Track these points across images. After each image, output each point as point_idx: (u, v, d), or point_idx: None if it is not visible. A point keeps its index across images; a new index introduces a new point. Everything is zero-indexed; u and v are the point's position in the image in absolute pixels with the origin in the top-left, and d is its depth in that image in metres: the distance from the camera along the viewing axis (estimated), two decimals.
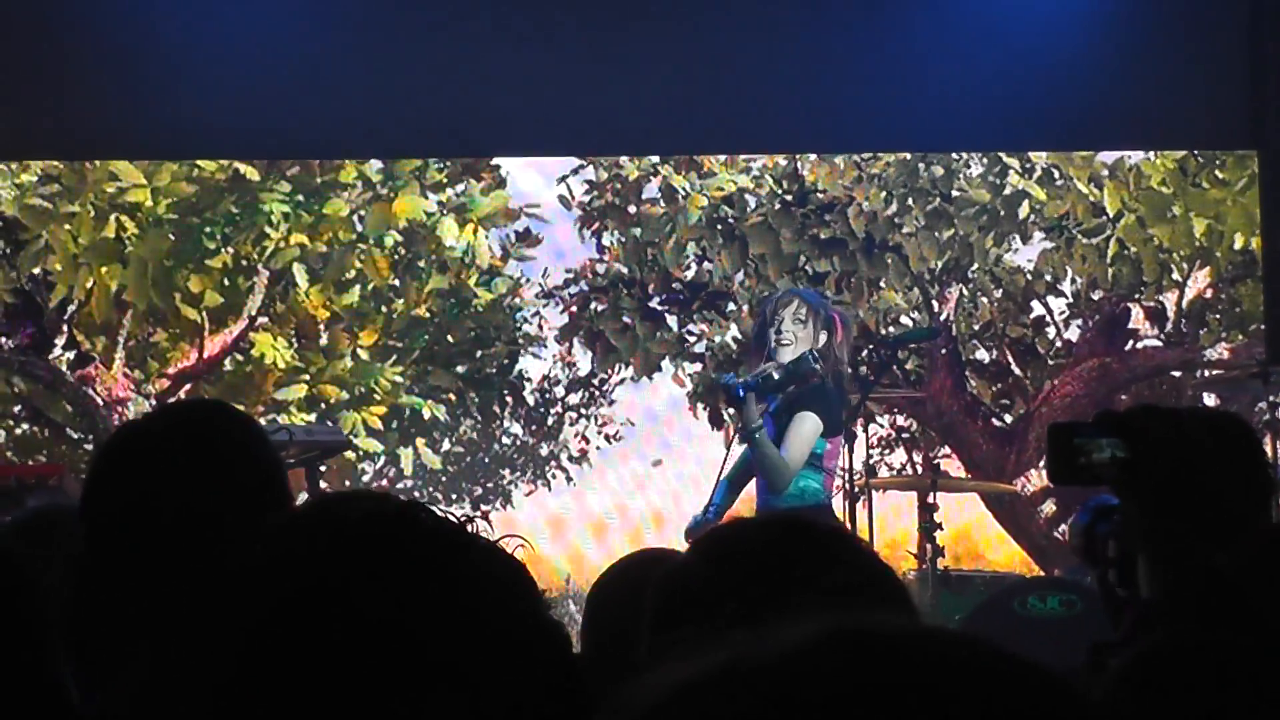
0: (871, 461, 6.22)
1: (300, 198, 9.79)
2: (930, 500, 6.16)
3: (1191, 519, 2.00)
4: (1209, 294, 9.90)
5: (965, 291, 10.24)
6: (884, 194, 10.00)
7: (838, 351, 5.07)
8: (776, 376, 5.03)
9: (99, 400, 9.65)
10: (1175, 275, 9.92)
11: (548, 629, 1.17)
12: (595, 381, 10.58)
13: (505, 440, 11.18)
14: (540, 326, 10.78)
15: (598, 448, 10.33)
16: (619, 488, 10.23)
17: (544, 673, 1.14)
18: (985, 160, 9.99)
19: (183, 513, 1.89)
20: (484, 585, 1.16)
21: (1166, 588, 1.97)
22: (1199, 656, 1.47)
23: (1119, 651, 1.74)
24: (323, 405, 10.34)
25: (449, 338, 10.89)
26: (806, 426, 4.93)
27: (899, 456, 9.87)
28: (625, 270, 10.42)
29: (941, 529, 6.00)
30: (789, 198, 10.13)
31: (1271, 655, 1.46)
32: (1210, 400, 9.06)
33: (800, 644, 0.74)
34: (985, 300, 10.29)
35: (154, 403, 9.77)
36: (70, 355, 9.78)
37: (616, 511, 10.15)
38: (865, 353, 9.98)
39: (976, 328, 10.28)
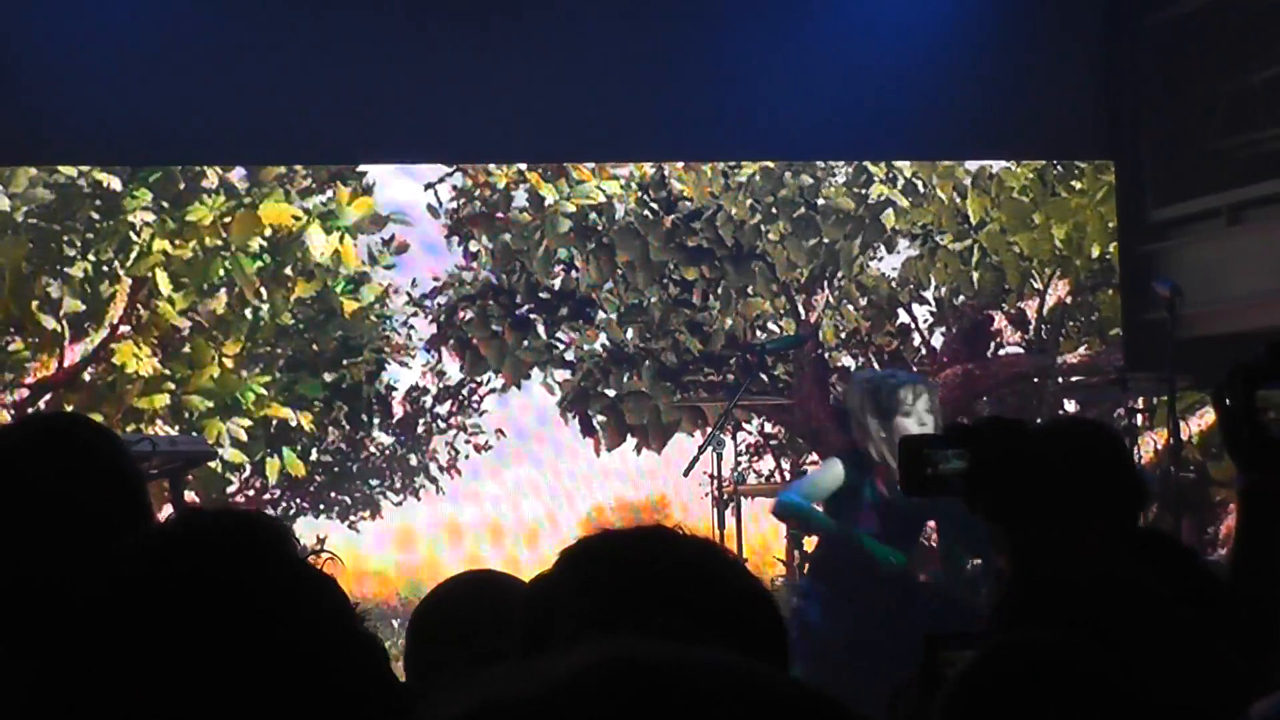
0: (740, 468, 6.25)
1: (164, 204, 9.65)
2: None
3: (1033, 528, 2.03)
4: (1069, 301, 10.08)
5: (831, 299, 10.33)
6: (750, 202, 10.07)
7: None
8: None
9: None
10: (1036, 283, 10.09)
11: (361, 640, 1.19)
12: (464, 391, 10.53)
13: (374, 450, 11.10)
14: (409, 335, 10.72)
15: (466, 457, 10.30)
16: (492, 497, 10.20)
17: (354, 680, 1.15)
18: (850, 169, 10.11)
19: (41, 527, 1.86)
20: (309, 598, 1.17)
21: (997, 595, 2.00)
22: (1016, 661, 1.50)
23: (951, 644, 1.78)
24: (187, 415, 10.19)
25: (314, 346, 10.79)
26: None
27: (768, 463, 9.94)
28: (494, 278, 10.40)
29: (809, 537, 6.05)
30: (656, 206, 10.17)
31: (1090, 659, 1.49)
32: (1071, 406, 9.24)
33: (561, 678, 0.73)
34: (851, 308, 10.39)
35: (12, 413, 9.57)
36: None
37: (485, 523, 10.12)
38: (733, 360, 10.04)
39: (843, 335, 10.38)
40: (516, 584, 2.11)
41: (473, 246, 10.42)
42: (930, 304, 10.24)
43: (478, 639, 1.89)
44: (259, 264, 9.91)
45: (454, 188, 10.40)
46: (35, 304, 9.48)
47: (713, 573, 1.42)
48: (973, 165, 9.89)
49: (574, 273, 10.30)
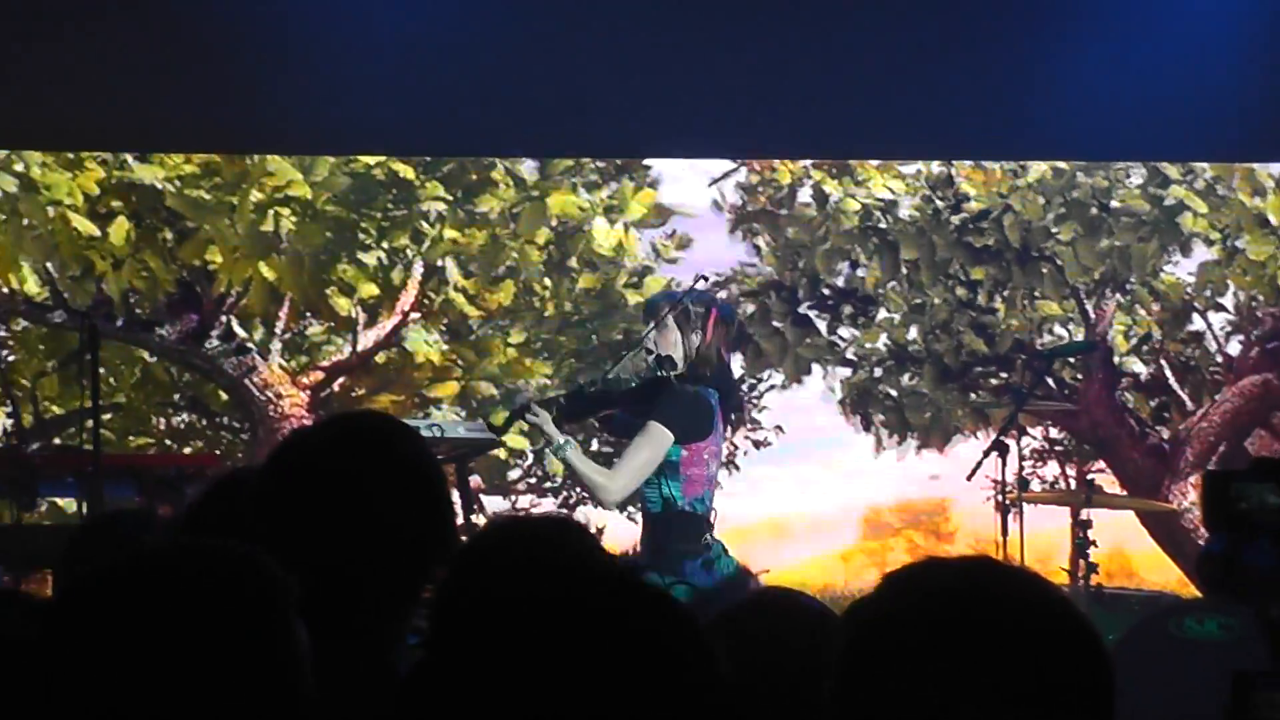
0: (1024, 474, 6.10)
1: (455, 194, 9.87)
2: (1084, 516, 6.04)
3: None
4: None
5: (1123, 303, 10.05)
6: (1041, 202, 9.85)
7: (707, 352, 4.94)
8: (634, 385, 4.96)
9: (255, 391, 9.81)
10: None
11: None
12: (744, 386, 10.53)
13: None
14: None
15: (745, 453, 10.29)
16: (770, 494, 10.18)
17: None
18: (1145, 170, 9.80)
19: (342, 524, 1.91)
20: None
21: None
22: None
23: (1267, 682, 1.69)
24: (473, 402, 10.41)
25: (596, 338, 10.90)
26: (644, 438, 4.82)
27: (1052, 469, 9.72)
28: (776, 274, 10.37)
29: (1095, 545, 5.89)
30: (942, 204, 10.02)
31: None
32: None
33: None
34: (1144, 312, 10.09)
35: (307, 394, 9.90)
36: (228, 346, 9.95)
37: (763, 520, 10.10)
38: (1019, 362, 9.83)
39: (1134, 341, 10.08)
40: (815, 606, 2.06)
41: (756, 242, 10.41)
42: (1228, 311, 9.88)
43: (778, 659, 1.85)
44: (545, 255, 10.07)
45: (738, 184, 10.40)
46: (332, 289, 9.79)
47: (1046, 619, 1.36)
48: (1276, 168, 9.51)
49: (857, 270, 10.21)
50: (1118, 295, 10.01)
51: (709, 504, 4.83)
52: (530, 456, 10.65)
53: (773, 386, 10.42)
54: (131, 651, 1.45)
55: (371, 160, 9.61)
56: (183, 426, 10.79)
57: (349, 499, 1.93)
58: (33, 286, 9.42)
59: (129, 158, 9.26)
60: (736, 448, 10.28)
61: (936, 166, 9.99)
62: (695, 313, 4.88)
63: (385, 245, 9.83)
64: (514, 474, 10.85)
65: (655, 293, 5.19)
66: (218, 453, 9.44)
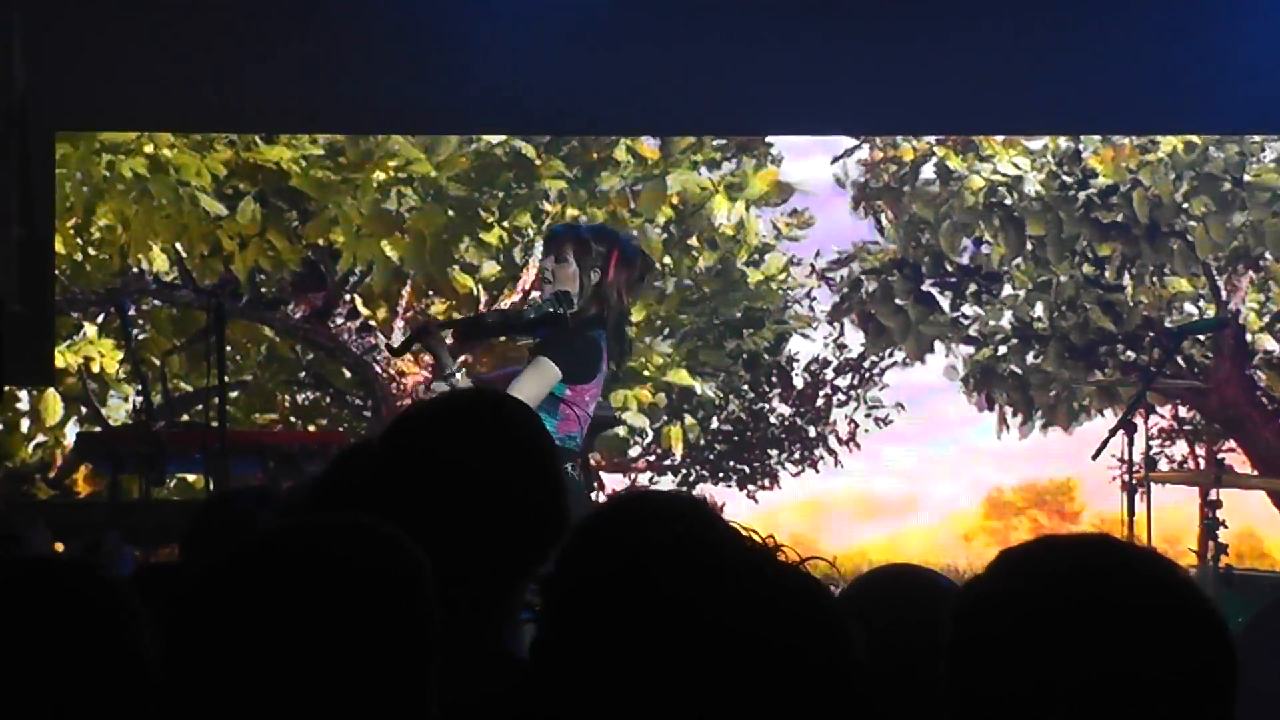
0: (1152, 453, 5.99)
1: (576, 172, 9.89)
2: (1213, 496, 5.92)
3: None
4: None
5: (1255, 280, 9.84)
6: (1171, 178, 9.66)
7: (605, 291, 4.81)
8: (530, 318, 4.87)
9: (379, 369, 9.90)
10: None
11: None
12: (865, 364, 10.45)
13: (773, 420, 11.13)
14: (810, 307, 10.71)
15: (866, 431, 10.23)
16: (891, 472, 10.11)
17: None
18: None
19: (460, 503, 1.92)
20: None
21: None
22: None
23: None
24: None
25: (717, 317, 10.88)
26: (532, 371, 4.74)
27: (1180, 449, 9.56)
28: (899, 252, 10.28)
29: (1225, 526, 5.77)
30: (1069, 180, 9.86)
31: None
32: None
33: None
34: (1277, 289, 9.88)
35: (429, 372, 9.98)
36: (352, 324, 10.05)
37: (884, 498, 10.04)
38: (1147, 340, 9.67)
39: (1267, 319, 9.87)
40: (944, 584, 2.02)
41: (878, 219, 10.33)
42: None
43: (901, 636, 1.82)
44: (665, 234, 10.06)
45: (861, 161, 10.32)
46: (455, 268, 9.86)
47: (1165, 598, 1.32)
48: None
49: (982, 247, 10.09)
50: (1250, 272, 9.80)
51: (580, 442, 4.79)
52: (650, 434, 10.67)
53: (894, 364, 10.34)
54: (278, 630, 1.44)
55: (493, 139, 9.65)
56: (306, 404, 10.93)
57: (464, 475, 1.94)
58: (162, 266, 9.57)
59: (256, 139, 9.37)
60: (858, 425, 10.21)
61: (1064, 141, 9.84)
62: (597, 250, 4.78)
63: (506, 224, 9.87)
64: (634, 451, 10.86)
65: (559, 225, 5.00)
66: (341, 429, 9.54)
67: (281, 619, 1.44)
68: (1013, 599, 1.35)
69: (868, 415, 10.23)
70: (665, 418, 10.64)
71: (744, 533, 1.41)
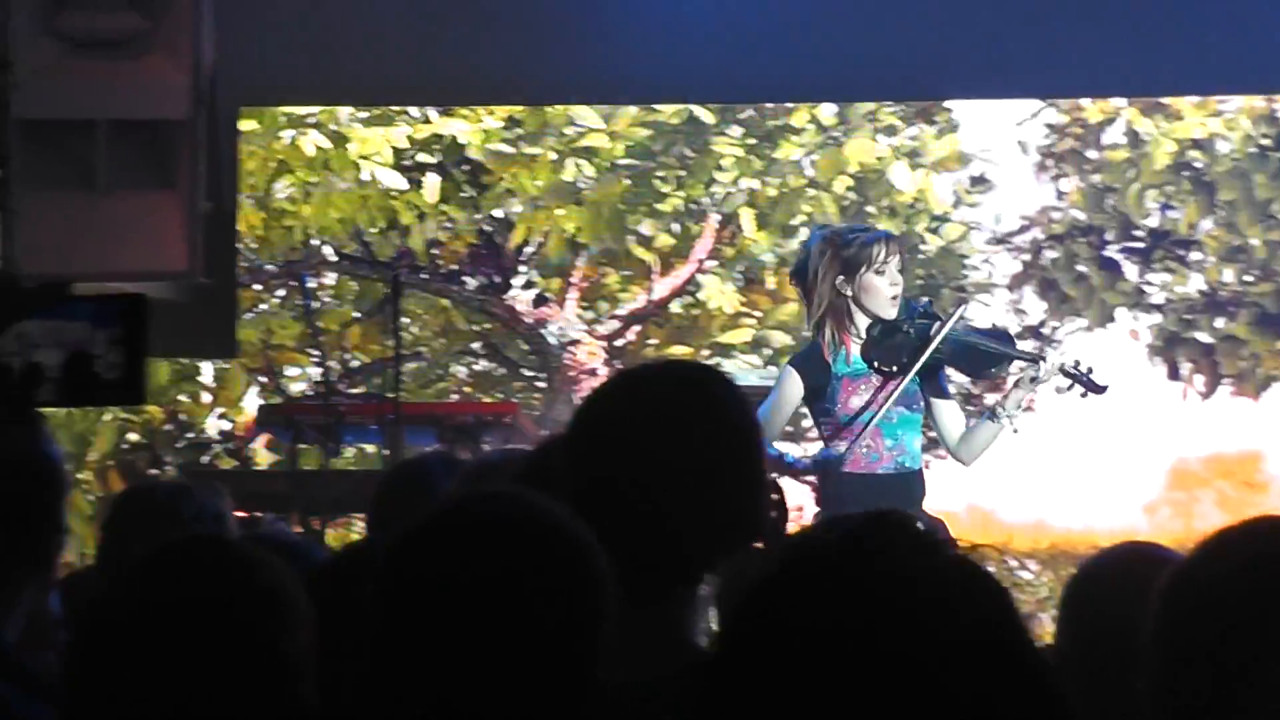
0: None
1: (752, 141, 9.80)
2: None
3: None
4: None
5: None
6: None
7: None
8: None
9: (552, 340, 9.94)
10: None
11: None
12: (1046, 330, 10.24)
13: (950, 389, 10.95)
14: (989, 274, 10.51)
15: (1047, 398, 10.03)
16: (1070, 442, 9.90)
17: None
18: None
19: (668, 479, 1.87)
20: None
21: None
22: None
23: None
24: (766, 350, 10.36)
25: None
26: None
27: None
28: (1083, 217, 10.04)
29: None
30: (1265, 141, 9.54)
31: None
32: None
33: None
34: None
35: (605, 345, 9.98)
36: (527, 295, 10.09)
37: (1060, 467, 9.84)
38: None
39: None
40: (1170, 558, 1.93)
41: (1062, 185, 10.10)
42: None
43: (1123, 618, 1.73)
44: (844, 202, 9.94)
45: (1045, 124, 10.10)
46: (630, 238, 9.84)
47: None
48: None
49: (1170, 212, 9.82)
50: None
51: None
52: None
53: (1076, 330, 10.12)
54: (441, 602, 1.49)
55: (668, 110, 9.60)
56: (482, 375, 11.01)
57: (662, 463, 1.88)
58: (341, 238, 9.70)
59: (434, 112, 9.44)
60: (1036, 393, 10.02)
61: (1258, 101, 9.52)
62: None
63: (681, 194, 9.83)
64: (806, 422, 10.73)
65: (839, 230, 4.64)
66: (515, 401, 9.59)
67: (462, 585, 1.49)
68: (1231, 581, 1.28)
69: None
70: None
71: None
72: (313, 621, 1.65)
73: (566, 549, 1.54)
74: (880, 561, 1.23)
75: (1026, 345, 10.24)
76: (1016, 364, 4.61)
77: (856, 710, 1.17)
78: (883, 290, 4.44)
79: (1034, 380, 4.56)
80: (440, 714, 1.47)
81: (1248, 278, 9.64)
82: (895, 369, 4.43)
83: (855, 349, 4.44)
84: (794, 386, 4.43)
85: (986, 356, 4.61)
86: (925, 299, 4.70)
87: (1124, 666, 1.36)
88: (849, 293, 4.43)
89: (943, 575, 1.21)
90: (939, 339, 4.45)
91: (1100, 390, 4.75)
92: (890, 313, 4.45)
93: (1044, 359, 4.60)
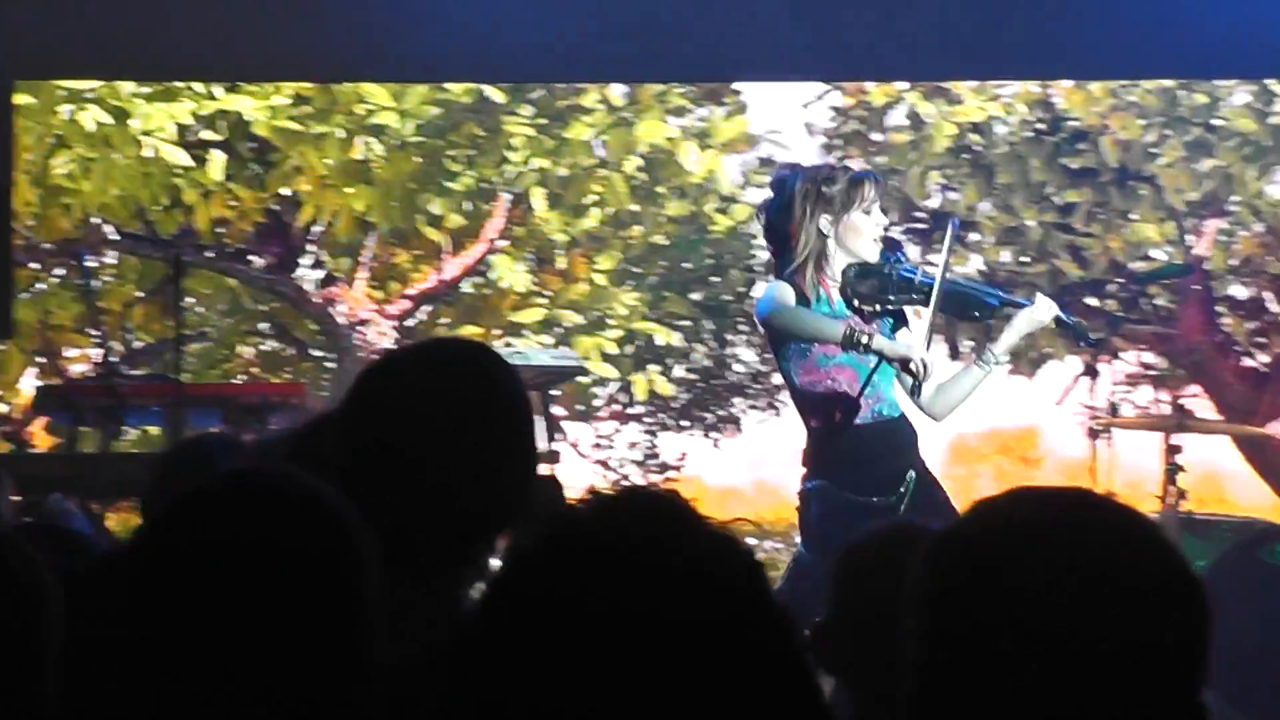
0: (1115, 399, 5.99)
1: (543, 121, 9.81)
2: (1175, 441, 5.93)
3: None
4: None
5: (1223, 226, 9.83)
6: (1141, 122, 9.63)
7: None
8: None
9: (342, 320, 9.84)
10: None
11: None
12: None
13: (738, 368, 11.10)
14: None
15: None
16: None
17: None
18: (1254, 89, 9.55)
19: (438, 454, 1.87)
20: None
21: None
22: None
23: None
24: (558, 329, 10.39)
25: (685, 264, 10.83)
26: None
27: (1145, 394, 9.55)
28: None
29: (1185, 471, 5.78)
30: (1040, 126, 9.82)
31: None
32: None
33: None
34: (1244, 234, 9.86)
35: (395, 325, 9.92)
36: (316, 275, 9.98)
37: None
38: (1113, 286, 9.66)
39: (1234, 264, 9.87)
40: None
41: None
42: None
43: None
44: (632, 182, 10.00)
45: (831, 106, 10.26)
46: (420, 218, 9.78)
47: (1140, 560, 1.29)
48: None
49: (950, 194, 10.06)
50: (1218, 217, 9.79)
51: None
52: (614, 383, 10.65)
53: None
54: (202, 586, 1.47)
55: (459, 89, 9.56)
56: (269, 355, 10.88)
57: (436, 430, 1.88)
58: (122, 217, 9.48)
59: (219, 88, 9.28)
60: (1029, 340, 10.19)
61: (1034, 87, 9.79)
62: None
63: (472, 174, 9.80)
64: (598, 400, 10.82)
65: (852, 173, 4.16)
66: (303, 381, 9.49)
67: (216, 559, 1.48)
68: (989, 549, 1.32)
69: None
70: (631, 366, 10.61)
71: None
72: (60, 620, 1.60)
73: (324, 521, 1.53)
74: (635, 529, 1.27)
75: None
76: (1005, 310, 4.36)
77: (607, 674, 1.20)
78: (868, 231, 4.26)
79: (1035, 323, 4.31)
80: (202, 691, 1.46)
81: (1024, 259, 9.92)
82: (879, 308, 4.27)
83: (834, 293, 4.23)
84: (793, 295, 4.20)
85: (974, 299, 4.41)
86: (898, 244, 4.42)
87: (889, 633, 1.41)
88: (830, 233, 4.22)
89: (695, 545, 1.25)
90: (943, 268, 4.26)
91: (1092, 344, 4.67)
92: (872, 254, 4.26)
93: (1032, 303, 4.34)
